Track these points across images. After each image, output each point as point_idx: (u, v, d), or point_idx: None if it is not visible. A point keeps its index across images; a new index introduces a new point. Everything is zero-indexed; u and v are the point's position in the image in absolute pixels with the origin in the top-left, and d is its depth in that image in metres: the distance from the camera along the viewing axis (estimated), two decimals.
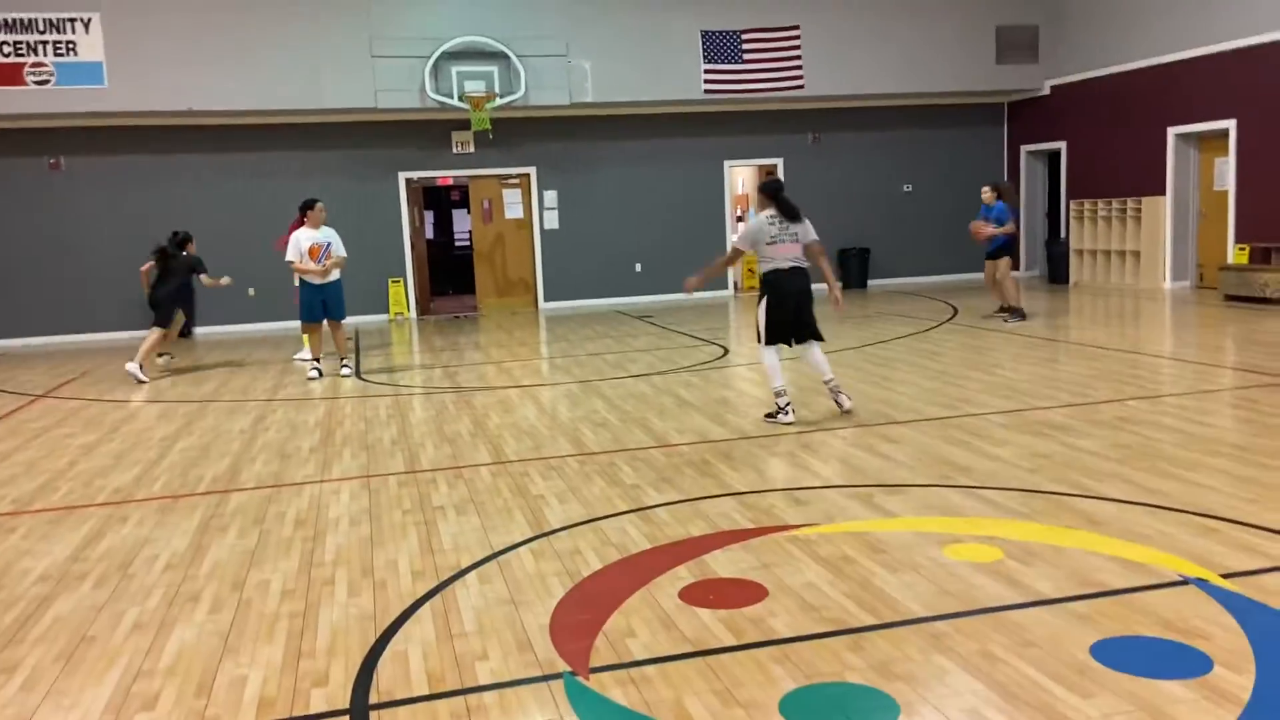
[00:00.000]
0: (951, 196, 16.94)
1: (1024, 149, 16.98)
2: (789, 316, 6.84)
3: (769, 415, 6.98)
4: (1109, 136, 15.04)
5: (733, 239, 6.89)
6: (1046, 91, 16.24)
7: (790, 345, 6.97)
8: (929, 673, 3.16)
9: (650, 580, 4.05)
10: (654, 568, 4.19)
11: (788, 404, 6.86)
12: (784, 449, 6.13)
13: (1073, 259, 15.60)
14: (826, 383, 7.08)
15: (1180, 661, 3.16)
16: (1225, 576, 3.80)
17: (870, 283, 16.79)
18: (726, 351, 10.48)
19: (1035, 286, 15.72)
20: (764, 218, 6.83)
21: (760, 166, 17.14)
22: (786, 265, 6.80)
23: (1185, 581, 3.78)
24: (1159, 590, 3.72)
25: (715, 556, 4.30)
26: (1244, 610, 3.50)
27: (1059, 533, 4.39)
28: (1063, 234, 16.19)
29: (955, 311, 12.76)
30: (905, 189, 16.82)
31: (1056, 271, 15.95)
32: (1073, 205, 15.63)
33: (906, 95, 16.16)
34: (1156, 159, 14.19)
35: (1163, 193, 14.12)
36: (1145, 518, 4.53)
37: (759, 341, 6.95)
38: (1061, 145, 16.09)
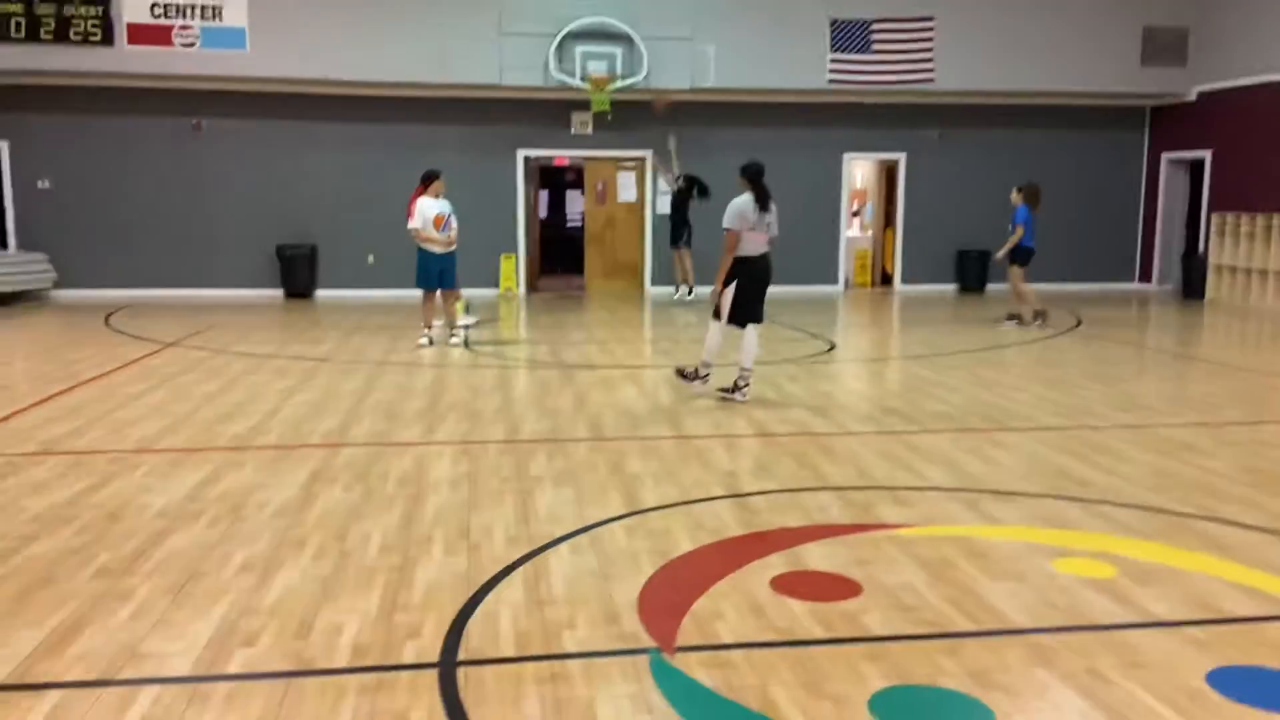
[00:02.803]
0: (1083, 203, 16.27)
1: (1165, 156, 16.14)
2: (752, 302, 7.12)
3: (682, 373, 7.50)
4: (1259, 148, 14.16)
5: (724, 223, 7.09)
6: (1193, 98, 15.39)
7: (741, 327, 7.16)
8: (1029, 685, 3.03)
9: (742, 566, 4.00)
10: (746, 554, 4.14)
11: (708, 375, 7.33)
12: (887, 447, 5.98)
13: (1210, 274, 14.78)
14: (745, 369, 7.21)
15: None
16: None
17: (989, 287, 16.25)
18: (833, 346, 10.30)
19: (1167, 301, 14.97)
20: (748, 200, 6.99)
21: (881, 161, 16.77)
22: (758, 253, 7.07)
23: None
24: None
25: (809, 549, 4.21)
26: None
27: (1180, 554, 4.16)
28: (1201, 248, 15.36)
29: (1079, 321, 12.25)
30: None
31: (1191, 287, 15.13)
32: (1214, 219, 14.80)
33: (1041, 94, 15.52)
34: None
35: None
36: (1275, 546, 4.26)
37: (716, 318, 7.18)
38: (1206, 155, 15.24)
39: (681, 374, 7.55)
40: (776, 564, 4.03)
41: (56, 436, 6.14)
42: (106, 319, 12.02)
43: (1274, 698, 2.95)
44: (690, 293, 14.02)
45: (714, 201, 13.66)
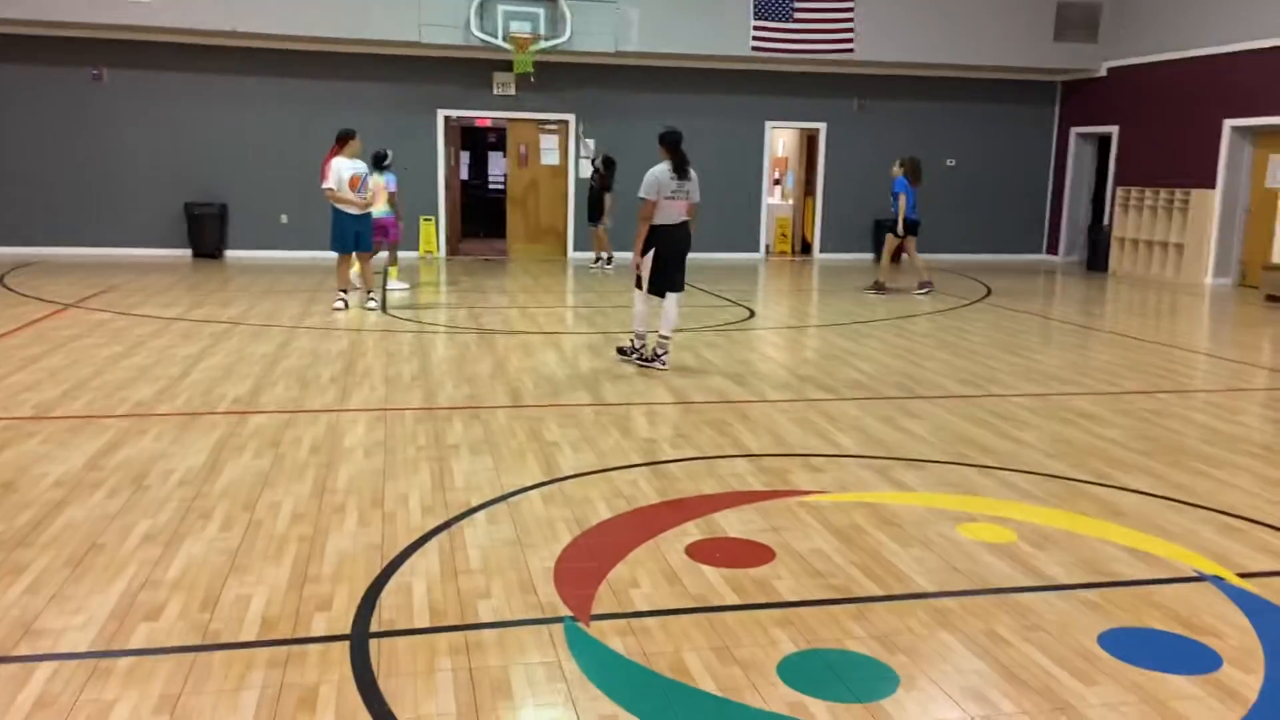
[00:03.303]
0: (995, 174, 16.66)
1: (1074, 131, 16.60)
2: (670, 271, 7.20)
3: (621, 350, 7.62)
4: (1163, 124, 14.66)
5: (640, 193, 7.10)
6: (1103, 73, 15.82)
7: (661, 296, 7.27)
8: (932, 648, 3.13)
9: (658, 534, 4.03)
10: (663, 522, 4.18)
11: (643, 345, 7.41)
12: (802, 415, 6.07)
13: (1114, 247, 15.31)
14: (664, 337, 7.33)
15: (1189, 657, 3.11)
16: (1242, 576, 3.73)
17: (904, 257, 16.54)
18: (752, 314, 10.40)
19: (1072, 272, 15.46)
20: (665, 169, 7.04)
21: (802, 130, 16.89)
22: (675, 221, 7.14)
23: (1201, 578, 3.72)
24: (1173, 585, 3.66)
25: (725, 515, 4.27)
26: (1258, 611, 3.44)
27: (1076, 519, 4.33)
28: (1105, 220, 15.88)
29: (989, 291, 12.58)
30: (948, 163, 16.50)
31: (1096, 258, 15.66)
32: (1119, 192, 15.30)
33: (958, 67, 15.80)
34: (1209, 151, 13.84)
35: (1213, 186, 13.78)
36: (1166, 511, 4.46)
37: (638, 287, 7.30)
38: (1113, 130, 15.72)
39: (621, 351, 7.63)
40: (692, 531, 4.08)
41: None
42: (1, 279, 11.47)
43: (1160, 658, 3.10)
44: (610, 262, 13.98)
45: (630, 177, 13.66)
